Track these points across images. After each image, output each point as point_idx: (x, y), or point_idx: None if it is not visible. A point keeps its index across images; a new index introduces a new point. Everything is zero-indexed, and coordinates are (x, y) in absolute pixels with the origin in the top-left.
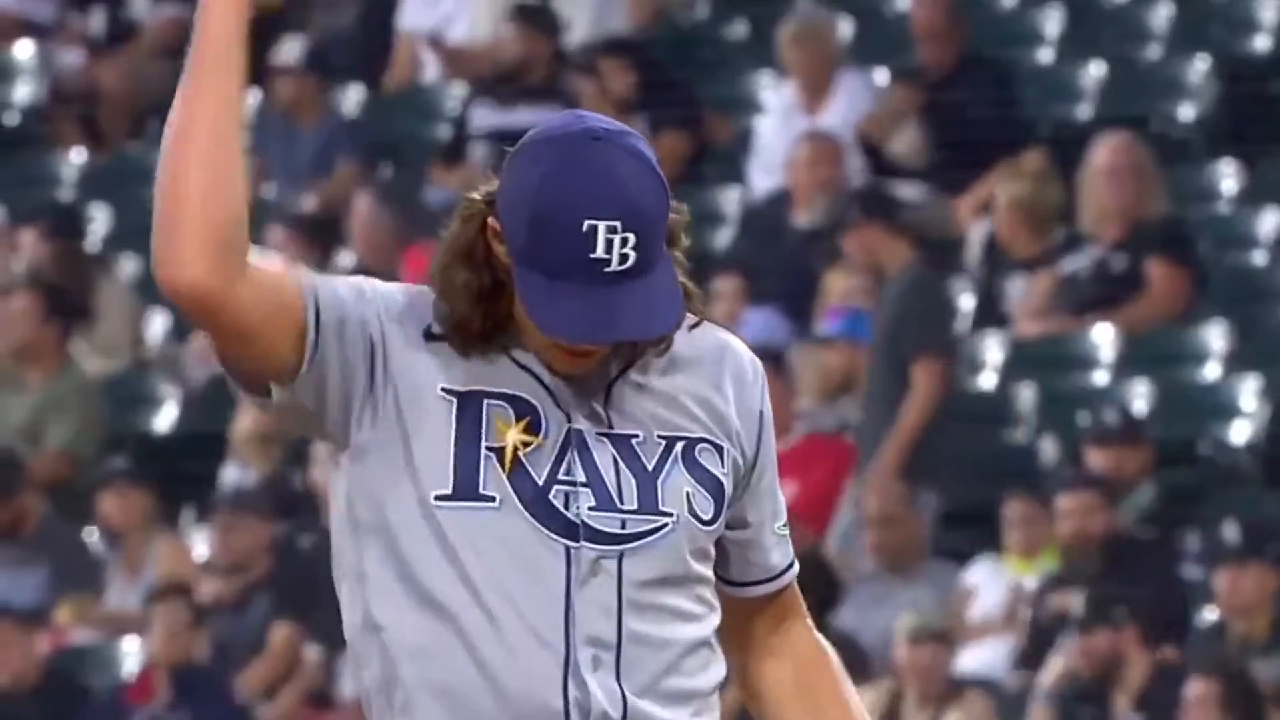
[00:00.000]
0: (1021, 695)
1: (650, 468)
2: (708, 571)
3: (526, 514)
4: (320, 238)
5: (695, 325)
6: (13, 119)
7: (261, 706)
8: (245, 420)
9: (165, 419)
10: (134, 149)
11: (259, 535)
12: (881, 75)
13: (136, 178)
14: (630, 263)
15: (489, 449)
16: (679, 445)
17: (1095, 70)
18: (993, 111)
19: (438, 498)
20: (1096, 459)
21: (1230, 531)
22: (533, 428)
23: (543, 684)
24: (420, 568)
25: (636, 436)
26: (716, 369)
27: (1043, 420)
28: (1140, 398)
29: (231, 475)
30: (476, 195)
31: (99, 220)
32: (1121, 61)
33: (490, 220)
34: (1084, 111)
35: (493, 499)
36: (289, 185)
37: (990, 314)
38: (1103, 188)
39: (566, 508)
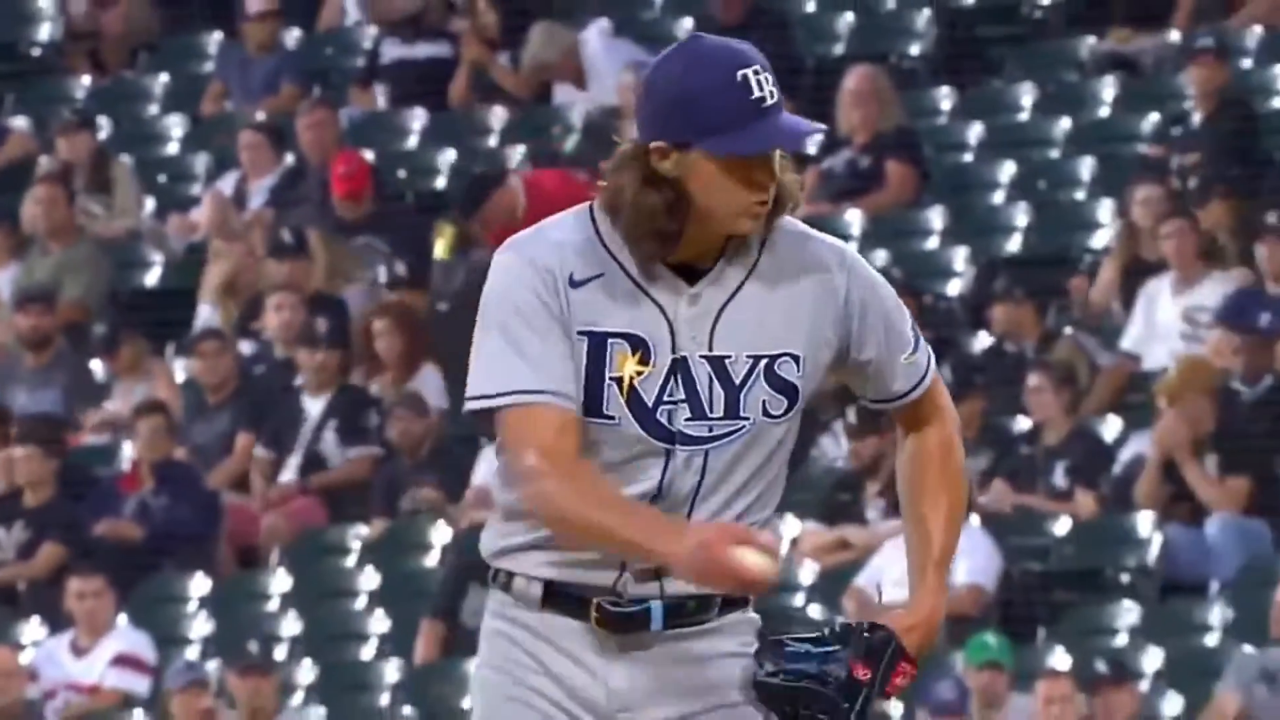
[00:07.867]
0: None
1: (737, 382)
2: (778, 434)
3: (638, 427)
4: (271, 142)
5: (787, 229)
6: (36, 51)
7: (228, 494)
8: (213, 275)
9: (153, 277)
10: (129, 75)
11: (227, 363)
12: (685, 26)
13: (129, 98)
14: (776, 97)
15: (612, 378)
16: (762, 363)
17: (847, 17)
18: (777, 50)
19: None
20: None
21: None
22: (645, 359)
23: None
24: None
25: (729, 357)
26: (798, 276)
27: None
28: (879, 263)
29: (203, 317)
30: (623, 145)
31: (105, 129)
32: (865, 9)
33: (652, 145)
34: (839, 49)
35: (613, 418)
36: (245, 101)
37: None
38: (853, 106)
39: (670, 422)
